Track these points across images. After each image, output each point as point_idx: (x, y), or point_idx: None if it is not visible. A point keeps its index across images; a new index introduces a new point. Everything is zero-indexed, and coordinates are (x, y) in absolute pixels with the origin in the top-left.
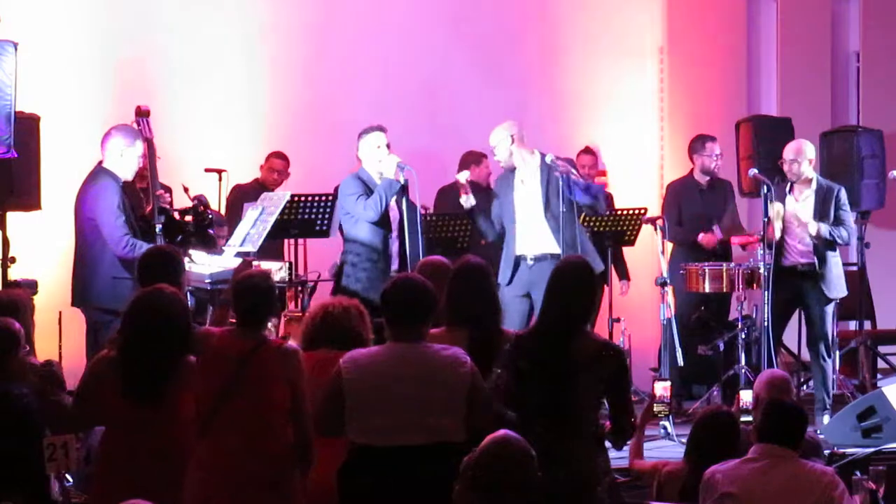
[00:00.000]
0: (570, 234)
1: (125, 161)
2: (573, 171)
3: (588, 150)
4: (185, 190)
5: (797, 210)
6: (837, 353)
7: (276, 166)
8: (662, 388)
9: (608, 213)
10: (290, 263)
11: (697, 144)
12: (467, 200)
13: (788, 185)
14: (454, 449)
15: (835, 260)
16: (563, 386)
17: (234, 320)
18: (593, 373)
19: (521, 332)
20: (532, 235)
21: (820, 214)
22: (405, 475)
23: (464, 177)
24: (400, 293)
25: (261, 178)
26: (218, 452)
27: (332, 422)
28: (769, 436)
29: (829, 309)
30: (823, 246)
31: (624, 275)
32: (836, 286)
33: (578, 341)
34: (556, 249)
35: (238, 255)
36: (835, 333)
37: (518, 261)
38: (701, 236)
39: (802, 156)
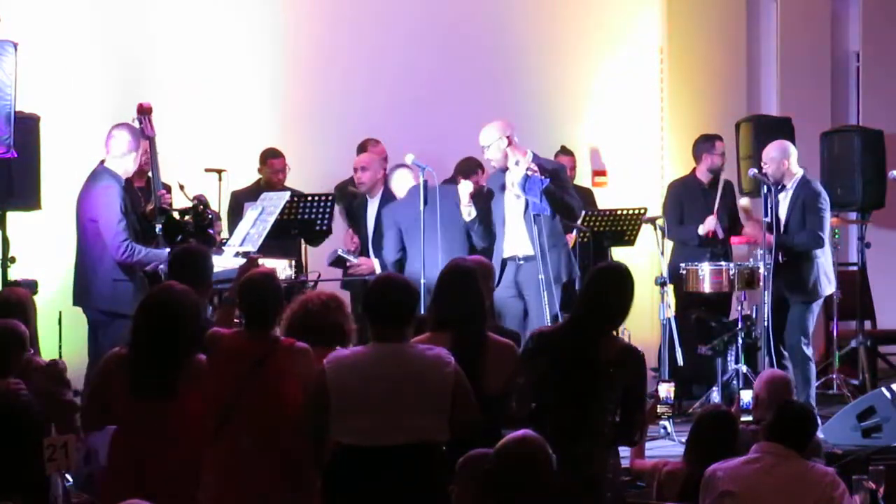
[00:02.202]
0: (545, 236)
1: (127, 160)
2: (535, 170)
3: (565, 150)
4: (181, 188)
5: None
6: (836, 353)
7: (278, 165)
8: (667, 390)
9: (593, 212)
10: (296, 261)
11: (706, 144)
12: (470, 213)
13: (780, 184)
14: (438, 448)
15: (807, 259)
16: (584, 387)
17: (236, 320)
18: (615, 377)
19: (545, 329)
20: (519, 237)
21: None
22: (390, 475)
23: (467, 189)
24: (382, 293)
25: (264, 180)
26: (234, 454)
27: (316, 422)
28: (778, 436)
29: (801, 308)
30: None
31: None
32: (799, 287)
33: (604, 344)
34: (531, 251)
35: (237, 254)
36: (805, 333)
37: (506, 262)
38: (700, 227)
39: (784, 155)
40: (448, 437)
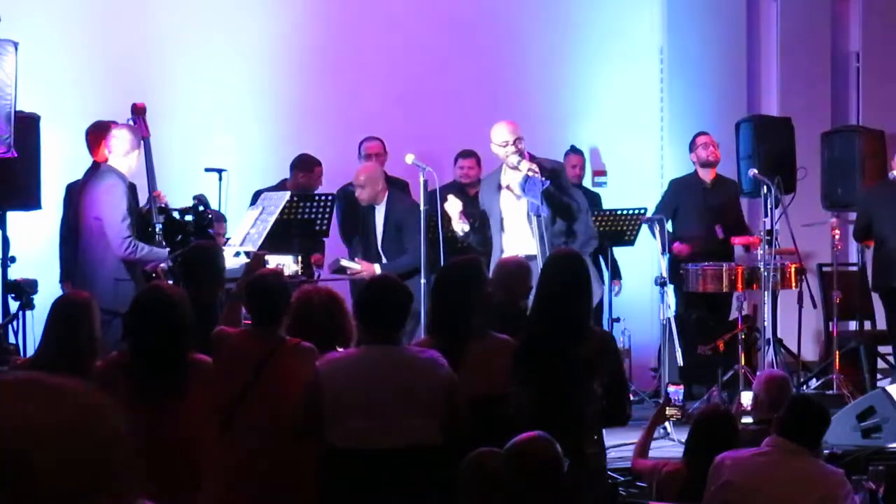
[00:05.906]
0: (550, 236)
1: (131, 158)
2: (536, 171)
3: (575, 150)
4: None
5: None
6: (836, 353)
7: (321, 171)
8: (675, 392)
9: (593, 212)
10: (302, 257)
11: (691, 143)
12: (462, 228)
13: None
14: (433, 450)
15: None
16: (573, 383)
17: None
18: (599, 367)
19: (524, 335)
20: (520, 236)
21: None
22: (386, 478)
23: (456, 207)
24: (376, 295)
25: (304, 187)
26: (238, 453)
27: (310, 425)
28: (789, 431)
29: None
30: None
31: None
32: None
33: (584, 338)
34: (532, 251)
35: (238, 254)
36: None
37: None
38: (675, 245)
39: None
40: (441, 441)
